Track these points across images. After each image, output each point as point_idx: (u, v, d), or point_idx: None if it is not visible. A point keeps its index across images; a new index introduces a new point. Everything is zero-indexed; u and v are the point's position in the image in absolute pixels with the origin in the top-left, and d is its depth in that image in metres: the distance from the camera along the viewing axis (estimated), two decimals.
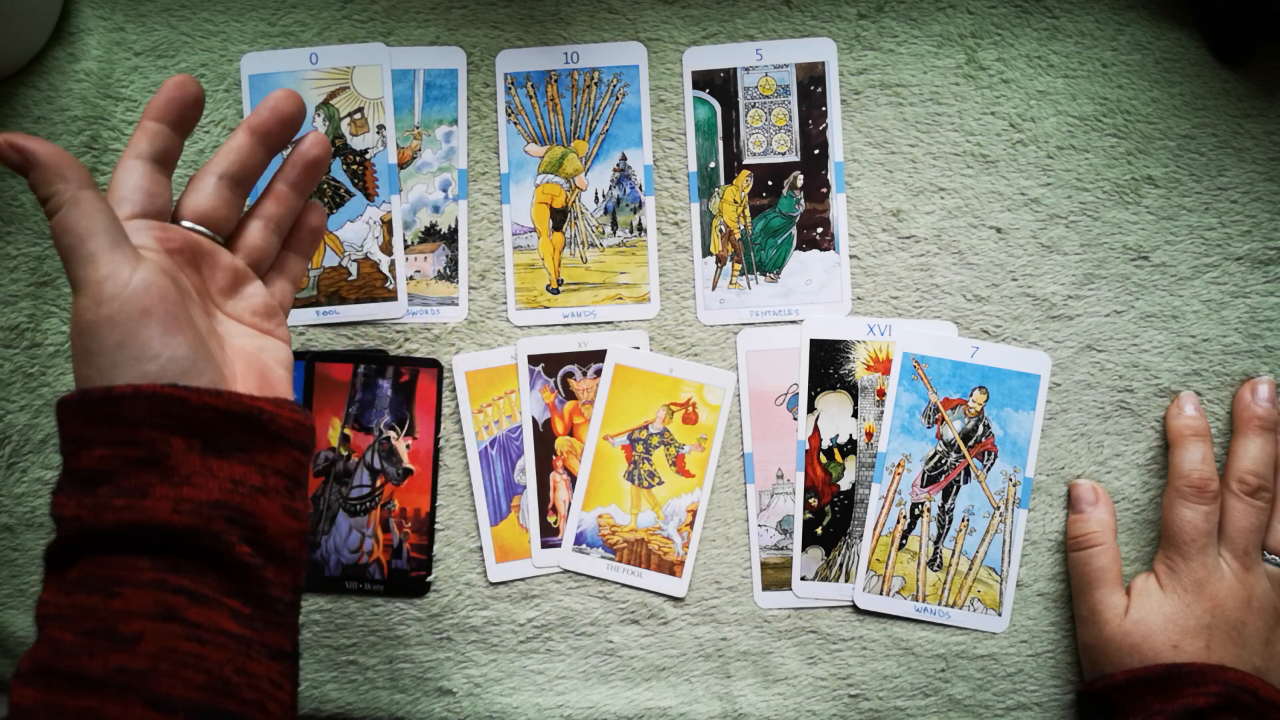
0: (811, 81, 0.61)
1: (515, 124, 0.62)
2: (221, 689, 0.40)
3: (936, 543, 0.60)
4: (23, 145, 0.41)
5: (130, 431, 0.40)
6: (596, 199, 0.62)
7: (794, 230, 0.62)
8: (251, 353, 0.46)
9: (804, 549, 0.61)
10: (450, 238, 0.62)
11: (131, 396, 0.40)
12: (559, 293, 0.62)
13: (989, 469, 0.60)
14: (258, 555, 0.41)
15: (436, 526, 0.62)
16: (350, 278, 0.62)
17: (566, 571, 0.61)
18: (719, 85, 0.62)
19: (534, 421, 0.62)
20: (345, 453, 0.62)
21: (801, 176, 0.62)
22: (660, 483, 0.61)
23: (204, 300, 0.46)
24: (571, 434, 0.62)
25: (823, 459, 0.61)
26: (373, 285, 0.62)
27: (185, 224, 0.47)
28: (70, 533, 0.40)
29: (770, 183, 0.62)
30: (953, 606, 0.60)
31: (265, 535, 0.42)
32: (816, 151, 0.61)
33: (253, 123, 0.48)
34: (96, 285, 0.40)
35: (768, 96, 0.62)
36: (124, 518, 0.39)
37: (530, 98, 0.62)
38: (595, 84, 0.62)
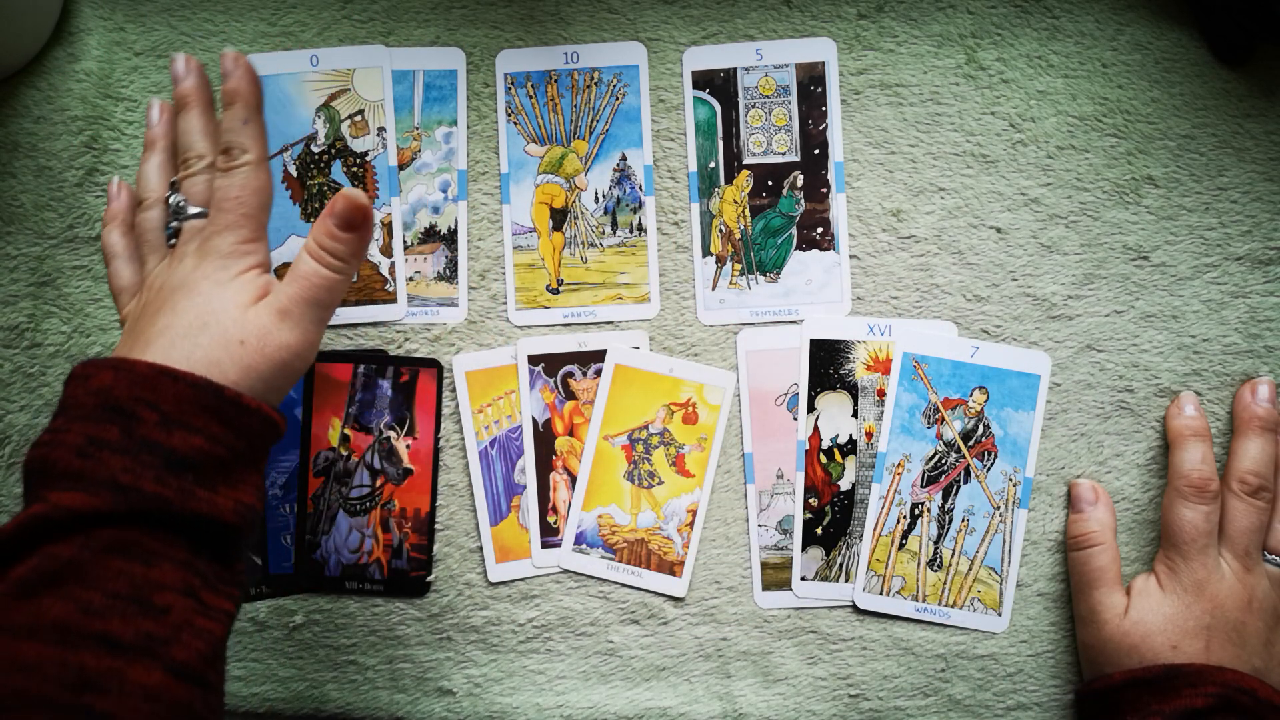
0: (811, 81, 0.61)
1: (515, 124, 0.62)
2: (215, 657, 0.44)
3: (936, 543, 0.60)
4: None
5: (230, 437, 0.45)
6: (596, 199, 0.62)
7: (794, 230, 0.61)
8: None
9: (804, 549, 0.61)
10: (450, 238, 0.62)
11: (254, 411, 0.46)
12: (559, 293, 0.62)
13: (989, 469, 0.60)
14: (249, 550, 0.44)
15: (436, 526, 0.62)
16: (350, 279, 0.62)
17: (566, 571, 0.61)
18: (719, 85, 0.62)
19: (534, 421, 0.62)
20: (345, 453, 0.62)
21: (801, 176, 0.61)
22: (660, 483, 0.61)
23: None
24: (571, 434, 0.62)
25: (823, 459, 0.61)
26: (372, 288, 0.62)
27: None
28: (138, 504, 0.42)
29: (770, 183, 0.62)
30: (953, 606, 0.60)
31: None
32: (816, 151, 0.61)
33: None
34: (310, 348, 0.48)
35: (768, 96, 0.62)
36: (201, 509, 0.43)
37: (530, 98, 0.62)
38: (595, 84, 0.62)
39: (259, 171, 0.50)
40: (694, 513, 0.61)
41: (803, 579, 0.61)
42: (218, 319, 0.46)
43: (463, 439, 0.62)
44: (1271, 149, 0.60)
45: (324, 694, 0.61)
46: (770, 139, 0.62)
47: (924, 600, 0.60)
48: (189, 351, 0.45)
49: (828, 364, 0.61)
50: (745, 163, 0.62)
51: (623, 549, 0.61)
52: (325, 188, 0.62)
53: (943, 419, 0.60)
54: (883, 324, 0.61)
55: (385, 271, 0.62)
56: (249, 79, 0.52)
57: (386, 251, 0.62)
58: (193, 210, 0.51)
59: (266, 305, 0.48)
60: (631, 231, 0.62)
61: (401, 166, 0.62)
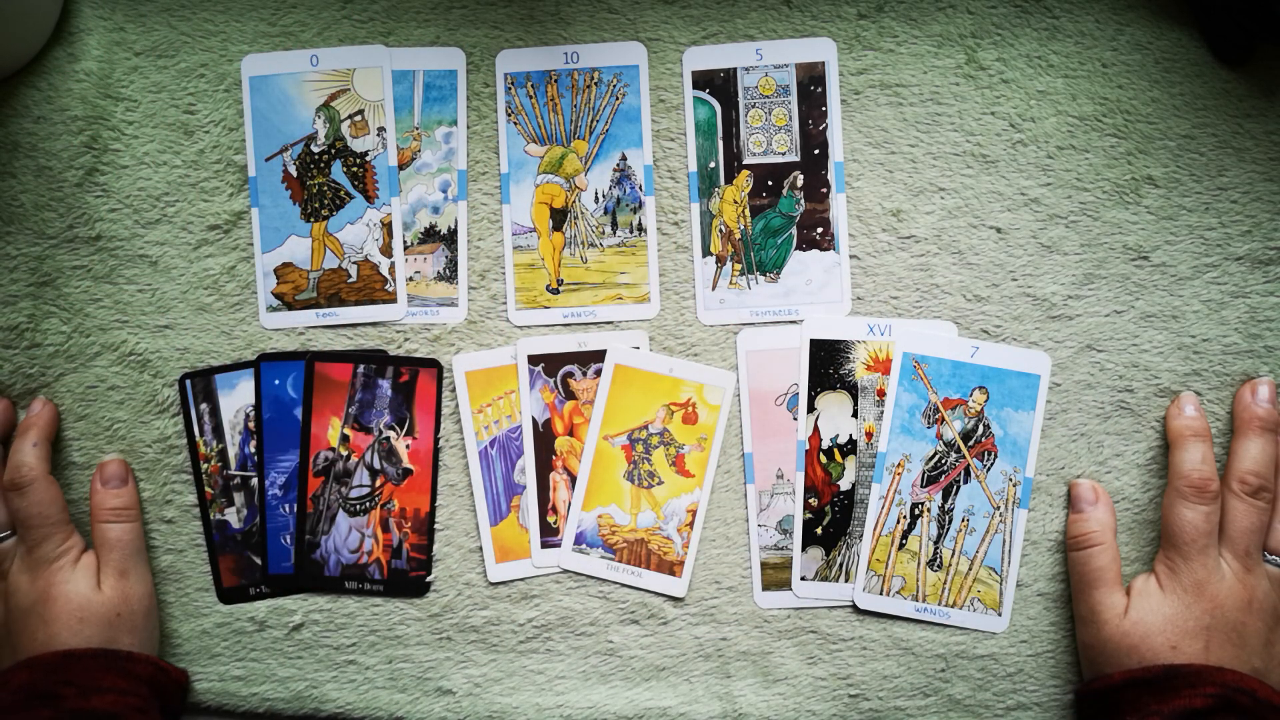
0: (811, 81, 0.61)
1: (515, 124, 0.62)
2: None
3: (936, 543, 0.60)
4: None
5: (135, 686, 0.55)
6: (596, 199, 0.62)
7: (794, 230, 0.61)
8: None
9: (804, 549, 0.61)
10: (450, 238, 0.62)
11: (142, 660, 0.57)
12: (559, 293, 0.62)
13: (989, 469, 0.60)
14: None
15: (436, 526, 0.62)
16: (350, 280, 0.62)
17: (566, 571, 0.61)
18: (719, 85, 0.62)
19: (534, 421, 0.62)
20: (345, 453, 0.62)
21: (801, 176, 0.61)
22: (660, 483, 0.61)
23: None
24: (571, 434, 0.62)
25: (823, 459, 0.61)
26: (372, 288, 0.62)
27: None
28: None
29: (770, 183, 0.62)
30: (953, 606, 0.60)
31: None
32: (816, 151, 0.61)
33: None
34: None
35: (768, 96, 0.62)
36: None
37: (530, 98, 0.62)
38: (595, 84, 0.62)
39: (48, 483, 0.59)
40: (694, 513, 0.61)
41: (803, 579, 0.61)
42: (90, 610, 0.56)
43: (463, 439, 0.62)
44: (1271, 149, 0.60)
45: (324, 694, 0.61)
46: (770, 139, 0.62)
47: (924, 600, 0.60)
48: (85, 643, 0.55)
49: (828, 364, 0.61)
50: (745, 163, 0.62)
51: (622, 549, 0.61)
52: (325, 187, 0.62)
53: (943, 419, 0.60)
54: (883, 324, 0.61)
55: (385, 271, 0.62)
56: (47, 413, 0.61)
57: (386, 251, 0.62)
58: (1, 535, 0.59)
59: (109, 577, 0.58)
60: (631, 231, 0.62)
61: (401, 166, 0.62)
